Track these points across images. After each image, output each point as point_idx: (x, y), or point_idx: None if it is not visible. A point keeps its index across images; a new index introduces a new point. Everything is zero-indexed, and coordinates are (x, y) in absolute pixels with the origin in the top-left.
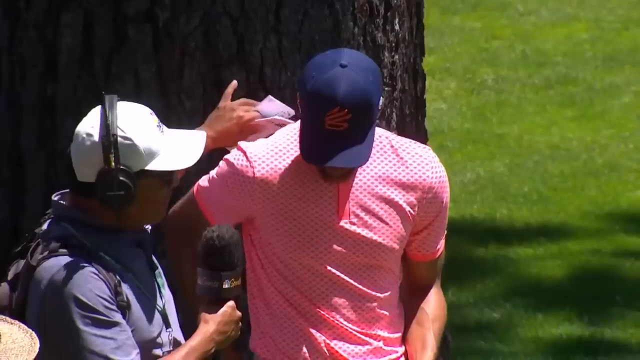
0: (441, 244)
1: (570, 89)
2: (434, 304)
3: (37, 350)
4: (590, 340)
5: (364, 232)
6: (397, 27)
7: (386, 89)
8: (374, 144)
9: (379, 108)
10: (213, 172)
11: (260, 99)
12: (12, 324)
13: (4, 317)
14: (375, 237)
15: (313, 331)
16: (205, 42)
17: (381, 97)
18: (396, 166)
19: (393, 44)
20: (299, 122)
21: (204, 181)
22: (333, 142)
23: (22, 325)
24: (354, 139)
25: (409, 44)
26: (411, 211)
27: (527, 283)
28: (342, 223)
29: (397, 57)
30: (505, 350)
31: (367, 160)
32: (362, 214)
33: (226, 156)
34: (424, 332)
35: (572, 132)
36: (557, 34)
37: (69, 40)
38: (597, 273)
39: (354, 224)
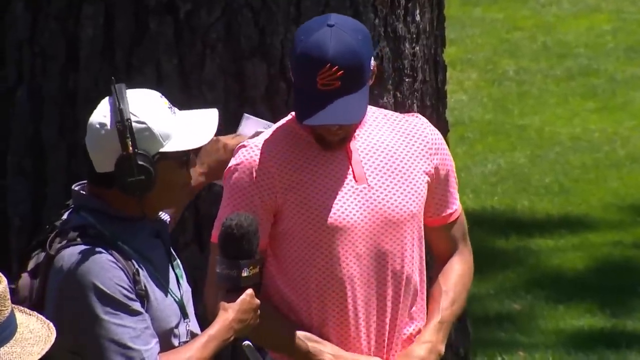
0: (455, 209)
1: (592, 81)
2: (450, 276)
3: (52, 340)
4: (612, 332)
5: (385, 193)
6: (417, 18)
7: (407, 80)
8: (369, 116)
9: (371, 69)
10: (221, 205)
11: (281, 91)
12: (30, 315)
13: (22, 308)
14: (396, 198)
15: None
16: (226, 34)
17: (372, 59)
18: (394, 133)
19: (414, 35)
20: (287, 117)
21: (216, 223)
22: (328, 101)
23: (40, 317)
24: (348, 96)
25: (429, 35)
26: (424, 169)
27: (548, 274)
28: (361, 187)
29: (417, 48)
30: (526, 341)
31: (364, 116)
32: (378, 176)
33: (228, 166)
34: (432, 311)
35: (594, 124)
36: (578, 25)
37: (90, 32)
38: (619, 265)
39: (372, 187)
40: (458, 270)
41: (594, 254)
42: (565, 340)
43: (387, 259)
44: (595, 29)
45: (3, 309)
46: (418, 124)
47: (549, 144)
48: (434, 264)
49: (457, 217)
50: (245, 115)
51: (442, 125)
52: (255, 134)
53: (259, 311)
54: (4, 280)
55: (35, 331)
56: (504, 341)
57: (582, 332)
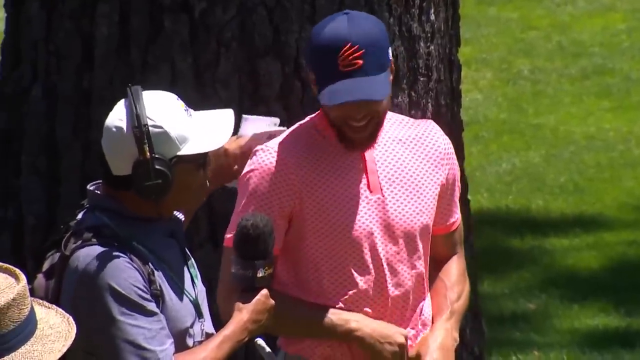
0: (457, 217)
1: (606, 80)
2: (452, 274)
3: (73, 335)
4: (626, 332)
5: (398, 204)
6: (432, 17)
7: (421, 79)
8: (385, 122)
9: (390, 59)
10: (236, 210)
11: (296, 89)
12: (49, 308)
13: (41, 301)
14: (408, 210)
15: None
16: (241, 33)
17: (390, 49)
18: (408, 141)
19: (429, 35)
20: (302, 120)
21: (229, 227)
22: (351, 79)
23: (59, 310)
24: (371, 77)
25: (444, 35)
26: (436, 180)
27: (562, 274)
28: (375, 198)
29: (432, 47)
30: (540, 341)
31: (387, 95)
32: (392, 187)
33: (244, 171)
34: (440, 304)
35: (609, 123)
36: (593, 25)
37: (105, 31)
38: (634, 264)
39: (386, 197)
40: (459, 269)
41: (608, 253)
42: (580, 340)
43: (399, 270)
44: (610, 28)
45: (23, 307)
46: (432, 132)
47: (564, 143)
48: (433, 267)
49: (458, 225)
50: (244, 116)
51: (456, 125)
52: (261, 134)
53: (273, 311)
54: (24, 278)
55: (56, 326)
56: (519, 340)
57: (597, 332)
